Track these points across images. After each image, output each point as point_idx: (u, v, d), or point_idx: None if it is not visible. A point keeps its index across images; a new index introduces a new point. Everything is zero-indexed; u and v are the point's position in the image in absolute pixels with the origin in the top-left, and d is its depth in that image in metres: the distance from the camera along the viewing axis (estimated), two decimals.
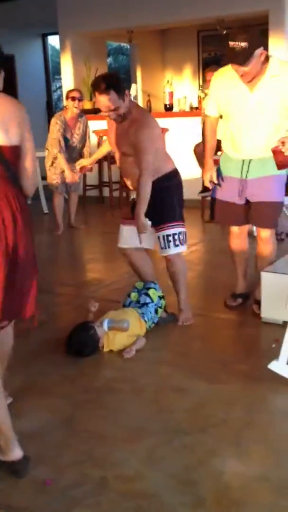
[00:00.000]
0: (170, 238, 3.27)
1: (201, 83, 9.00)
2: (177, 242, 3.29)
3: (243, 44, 2.86)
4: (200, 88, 8.52)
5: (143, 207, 3.06)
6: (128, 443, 2.21)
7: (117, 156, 3.32)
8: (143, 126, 3.08)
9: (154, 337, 3.18)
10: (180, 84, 9.01)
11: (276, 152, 2.96)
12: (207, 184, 3.41)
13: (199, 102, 7.86)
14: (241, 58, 2.90)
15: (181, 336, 3.22)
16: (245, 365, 2.81)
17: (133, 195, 3.37)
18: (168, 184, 3.26)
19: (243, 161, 3.23)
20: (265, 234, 3.38)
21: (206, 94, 5.98)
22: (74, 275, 4.65)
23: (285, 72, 3.02)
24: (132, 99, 7.89)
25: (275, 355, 2.64)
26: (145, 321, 3.19)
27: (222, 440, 2.21)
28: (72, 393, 2.61)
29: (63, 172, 5.87)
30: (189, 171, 6.50)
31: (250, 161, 3.21)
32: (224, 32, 7.34)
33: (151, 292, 3.30)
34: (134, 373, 2.83)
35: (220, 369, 2.78)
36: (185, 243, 3.34)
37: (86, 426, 2.35)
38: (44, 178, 7.79)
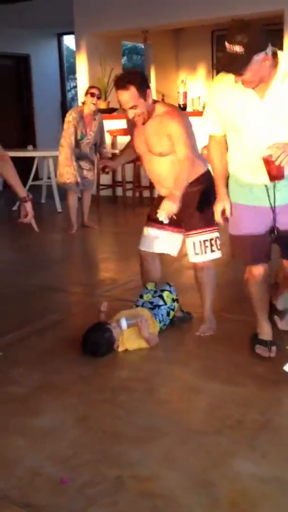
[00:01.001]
0: (208, 243, 3.18)
1: None
2: (214, 248, 3.19)
3: (238, 48, 2.32)
4: None
5: (180, 190, 2.90)
6: (144, 443, 2.21)
7: (145, 161, 3.19)
8: (175, 115, 2.99)
9: (169, 337, 3.18)
10: (194, 84, 9.00)
11: (267, 162, 2.47)
12: (218, 219, 2.84)
13: None
14: (236, 66, 2.37)
15: (195, 337, 3.22)
16: (260, 367, 2.80)
17: (158, 192, 3.26)
18: (203, 187, 3.13)
19: (266, 186, 2.64)
20: None
21: None
22: (88, 274, 4.67)
23: None
24: None
25: None
26: (157, 321, 3.19)
27: (238, 441, 2.20)
28: (87, 392, 2.62)
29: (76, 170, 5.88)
30: None
31: (274, 185, 2.63)
32: None
33: (165, 294, 3.30)
34: (148, 373, 2.83)
35: (235, 371, 2.77)
36: (220, 249, 3.22)
37: (101, 425, 2.35)
38: None
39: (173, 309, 3.31)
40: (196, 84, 9.08)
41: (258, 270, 2.86)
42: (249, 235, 2.77)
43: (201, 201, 3.14)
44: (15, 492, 1.95)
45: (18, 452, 2.18)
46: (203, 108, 7.86)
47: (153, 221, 3.23)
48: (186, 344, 3.20)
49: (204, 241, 3.17)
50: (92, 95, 5.80)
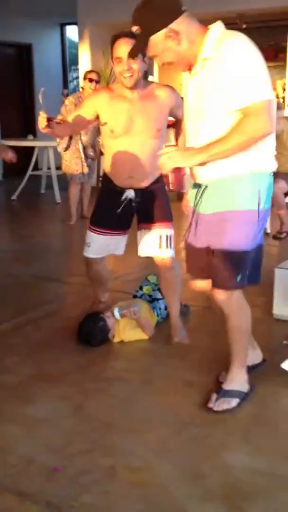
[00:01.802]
0: (170, 238, 2.98)
1: None
2: (172, 245, 3.00)
3: (135, 28, 2.04)
4: None
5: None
6: (137, 434, 2.22)
7: (120, 144, 2.85)
8: (172, 89, 2.83)
9: (165, 329, 3.18)
10: None
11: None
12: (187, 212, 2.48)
13: None
14: (133, 49, 2.18)
15: (192, 330, 3.22)
16: None
17: (127, 193, 2.97)
18: (162, 185, 2.97)
19: (197, 186, 2.27)
20: (221, 297, 2.29)
21: None
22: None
23: (220, 54, 1.99)
24: None
25: (286, 352, 2.63)
26: (155, 314, 3.20)
27: (231, 434, 2.21)
28: (82, 382, 2.62)
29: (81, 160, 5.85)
30: None
31: (205, 187, 2.21)
32: (244, 26, 7.29)
33: None
34: (144, 364, 2.83)
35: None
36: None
37: (95, 414, 2.35)
38: (58, 168, 7.80)
39: None
40: None
41: (200, 286, 2.47)
42: (187, 240, 2.41)
43: (165, 196, 3.03)
44: (8, 479, 1.96)
45: (11, 440, 2.18)
46: None
47: (95, 225, 3.08)
48: None
49: (170, 236, 2.99)
50: (90, 80, 5.74)
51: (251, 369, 2.53)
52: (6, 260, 4.75)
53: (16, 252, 5.01)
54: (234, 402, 2.37)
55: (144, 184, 2.95)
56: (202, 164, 2.11)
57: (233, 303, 2.29)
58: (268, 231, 5.45)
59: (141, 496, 1.87)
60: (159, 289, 3.30)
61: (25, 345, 3.03)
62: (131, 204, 3.00)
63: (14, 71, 9.90)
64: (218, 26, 2.08)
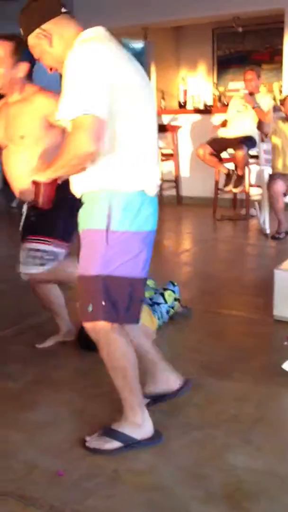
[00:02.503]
0: (40, 254, 2.74)
1: (215, 81, 8.99)
2: (41, 261, 2.74)
3: (21, 31, 2.02)
4: (215, 85, 8.52)
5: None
6: None
7: (4, 154, 2.74)
8: (54, 96, 2.56)
9: (166, 332, 3.18)
10: (194, 81, 9.00)
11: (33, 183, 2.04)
12: None
13: (214, 99, 7.86)
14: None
15: (193, 332, 3.23)
16: (257, 362, 2.81)
17: (23, 209, 2.80)
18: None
19: None
20: (87, 327, 2.04)
21: (251, 94, 5.95)
22: None
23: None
24: None
25: (286, 352, 2.64)
26: (156, 318, 3.20)
27: (233, 435, 2.21)
28: (84, 387, 2.63)
29: None
30: (202, 168, 6.52)
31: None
32: (240, 29, 7.33)
33: (167, 293, 3.30)
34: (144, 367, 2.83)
35: (231, 366, 2.78)
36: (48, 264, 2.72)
37: (98, 419, 2.35)
38: None
39: (173, 308, 3.31)
40: (196, 82, 9.07)
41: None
42: None
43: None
44: (12, 484, 1.96)
45: (14, 446, 2.19)
46: (204, 106, 7.88)
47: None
48: (183, 339, 3.20)
49: (41, 250, 2.75)
50: None
51: (160, 398, 2.30)
52: (6, 265, 4.74)
53: (16, 258, 5.01)
54: (113, 445, 2.08)
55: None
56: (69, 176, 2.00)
57: (100, 336, 1.99)
58: (267, 231, 5.47)
59: (145, 499, 1.87)
60: (161, 293, 3.30)
61: (27, 351, 3.03)
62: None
63: None
64: (88, 31, 1.92)
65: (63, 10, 1.97)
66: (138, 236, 1.94)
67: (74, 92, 1.79)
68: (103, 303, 1.93)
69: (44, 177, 1.98)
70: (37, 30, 1.94)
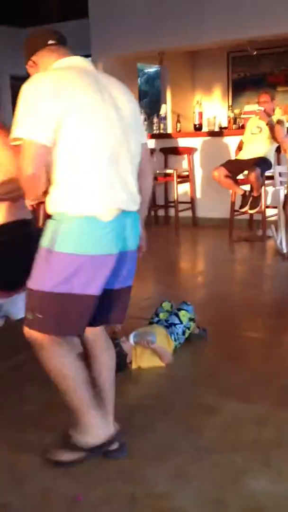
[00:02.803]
0: None
1: (230, 104, 9.06)
2: None
3: None
4: (230, 108, 8.58)
5: None
6: (158, 461, 2.19)
7: None
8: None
9: (183, 354, 3.17)
10: (209, 104, 9.07)
11: None
12: None
13: (229, 122, 7.91)
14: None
15: (211, 354, 3.21)
16: (276, 385, 2.78)
17: None
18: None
19: None
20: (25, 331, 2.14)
21: (270, 119, 5.99)
22: None
23: None
24: (162, 119, 7.95)
25: None
26: (173, 340, 3.19)
27: (253, 460, 2.18)
28: None
29: None
30: (218, 189, 6.54)
31: None
32: (255, 53, 7.40)
33: (181, 313, 3.29)
34: (162, 390, 2.82)
35: (250, 389, 2.75)
36: None
37: None
38: None
39: (188, 328, 3.29)
40: (211, 105, 9.15)
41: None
42: None
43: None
44: (28, 509, 1.95)
45: (31, 470, 2.18)
46: (219, 128, 7.94)
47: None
48: (201, 362, 3.18)
49: None
50: None
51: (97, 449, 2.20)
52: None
53: None
54: (70, 456, 2.17)
55: None
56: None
57: (34, 343, 2.12)
58: (284, 251, 5.44)
59: None
60: (175, 314, 3.29)
61: (43, 373, 3.02)
62: None
63: None
64: (59, 62, 2.09)
65: (49, 42, 2.15)
66: (85, 259, 1.98)
67: (19, 117, 1.93)
68: (39, 315, 2.04)
69: None
70: (29, 62, 2.18)
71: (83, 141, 1.94)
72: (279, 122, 5.96)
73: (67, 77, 1.99)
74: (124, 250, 2.09)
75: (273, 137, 5.97)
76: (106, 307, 2.16)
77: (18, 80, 9.89)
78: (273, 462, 2.16)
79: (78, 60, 2.13)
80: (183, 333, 3.26)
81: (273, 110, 6.27)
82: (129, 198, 2.06)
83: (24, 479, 2.12)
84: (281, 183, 5.67)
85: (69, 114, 1.91)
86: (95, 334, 2.25)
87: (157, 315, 3.38)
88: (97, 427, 2.18)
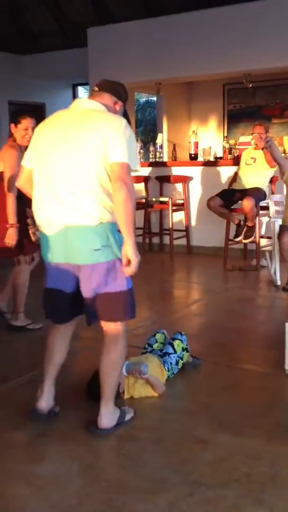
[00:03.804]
0: None
1: (225, 134, 9.18)
2: None
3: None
4: (225, 139, 8.69)
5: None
6: (149, 494, 2.16)
7: None
8: None
9: (177, 385, 3.14)
10: (205, 134, 9.19)
11: None
12: None
13: (224, 152, 8.00)
14: None
15: (204, 385, 3.18)
16: (270, 418, 2.76)
17: None
18: None
19: None
20: None
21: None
22: None
23: None
24: (158, 148, 8.01)
25: None
26: (166, 370, 3.17)
27: (245, 495, 2.15)
28: (93, 440, 2.58)
29: None
30: (213, 218, 6.57)
31: None
32: (250, 85, 7.53)
33: (176, 343, 3.28)
34: (155, 421, 2.79)
35: (243, 422, 2.73)
36: None
37: (106, 474, 2.31)
38: None
39: (182, 358, 3.28)
40: (207, 135, 9.27)
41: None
42: None
43: None
44: None
45: (21, 501, 2.14)
46: (214, 158, 8.02)
47: None
48: (194, 393, 3.16)
49: None
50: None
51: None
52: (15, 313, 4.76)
53: (29, 305, 5.02)
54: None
55: None
56: None
57: (119, 332, 2.65)
58: (278, 283, 5.46)
59: None
60: (170, 343, 3.28)
61: (35, 401, 3.00)
62: None
63: None
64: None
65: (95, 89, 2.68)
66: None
67: (134, 152, 2.51)
68: (127, 308, 2.64)
69: None
70: (117, 103, 2.70)
71: (37, 167, 2.61)
72: (271, 141, 6.00)
73: (48, 121, 2.70)
74: None
75: (272, 159, 5.95)
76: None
77: (16, 106, 10.09)
78: (265, 498, 2.13)
79: (71, 106, 2.67)
80: (177, 363, 3.24)
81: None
82: None
83: (14, 510, 2.07)
84: (277, 212, 5.71)
85: (34, 148, 2.67)
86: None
87: (150, 345, 3.36)
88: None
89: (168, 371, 3.18)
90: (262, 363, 3.50)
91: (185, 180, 7.27)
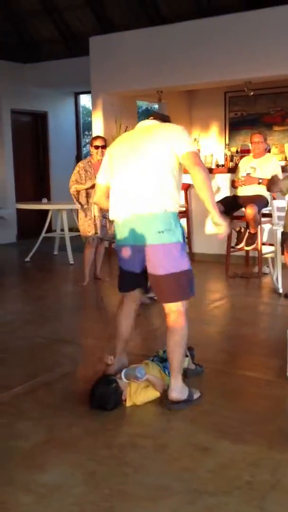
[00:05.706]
0: None
1: (227, 142, 9.21)
2: None
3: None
4: (227, 146, 8.73)
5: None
6: (151, 502, 2.17)
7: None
8: None
9: None
10: (206, 142, 9.22)
11: None
12: None
13: (226, 159, 8.03)
14: None
15: (206, 393, 3.18)
16: (271, 426, 2.76)
17: None
18: None
19: None
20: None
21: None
22: (99, 327, 4.67)
23: None
24: None
25: None
26: (166, 374, 3.17)
27: (246, 502, 2.15)
28: (95, 448, 2.59)
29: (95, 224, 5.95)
30: None
31: None
32: (251, 93, 7.56)
33: None
34: (157, 429, 2.79)
35: (245, 429, 2.73)
36: None
37: (108, 482, 2.31)
38: (71, 229, 7.92)
39: None
40: (208, 142, 9.30)
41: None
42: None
43: None
44: None
45: (23, 509, 2.15)
46: (216, 165, 8.05)
47: None
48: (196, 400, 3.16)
49: None
50: (96, 147, 5.93)
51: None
52: (19, 321, 4.78)
53: (28, 314, 5.03)
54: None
55: None
56: None
57: (181, 311, 3.04)
58: (280, 290, 5.46)
59: None
60: None
61: (37, 409, 3.01)
62: None
63: (30, 137, 10.24)
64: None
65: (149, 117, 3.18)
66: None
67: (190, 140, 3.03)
68: (187, 288, 3.05)
69: None
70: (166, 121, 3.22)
71: (114, 173, 3.11)
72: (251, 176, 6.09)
73: (120, 139, 3.26)
74: None
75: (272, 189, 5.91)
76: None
77: (19, 114, 10.15)
78: (267, 506, 2.13)
79: (138, 125, 3.22)
80: None
81: (265, 150, 6.39)
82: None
83: None
84: (279, 218, 5.71)
85: (110, 160, 3.16)
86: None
87: (156, 353, 3.38)
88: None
89: (168, 375, 3.18)
90: (264, 371, 3.50)
91: (187, 187, 7.29)
